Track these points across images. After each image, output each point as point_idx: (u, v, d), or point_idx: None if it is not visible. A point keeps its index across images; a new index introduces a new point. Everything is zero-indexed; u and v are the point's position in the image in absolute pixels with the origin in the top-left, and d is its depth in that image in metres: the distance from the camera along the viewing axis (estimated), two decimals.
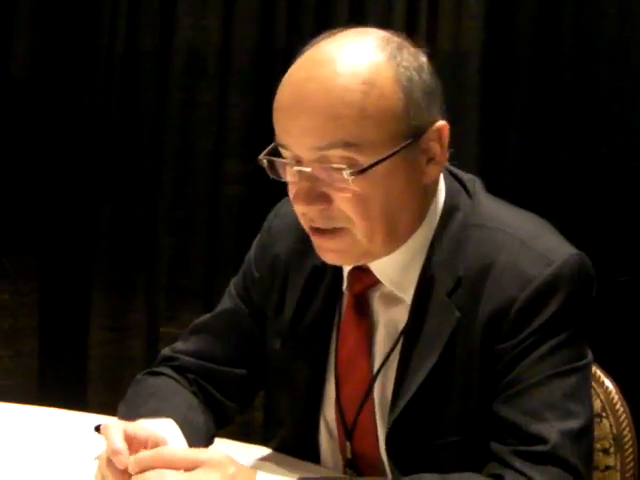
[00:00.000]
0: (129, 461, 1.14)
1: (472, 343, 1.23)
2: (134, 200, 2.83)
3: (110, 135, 2.83)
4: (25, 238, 2.94)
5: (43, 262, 2.94)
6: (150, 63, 2.76)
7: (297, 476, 1.16)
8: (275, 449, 1.45)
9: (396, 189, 1.22)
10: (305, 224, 1.26)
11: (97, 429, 1.34)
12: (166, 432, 1.26)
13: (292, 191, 1.24)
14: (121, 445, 1.15)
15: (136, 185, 2.83)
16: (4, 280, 2.95)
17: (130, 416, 1.30)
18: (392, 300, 1.31)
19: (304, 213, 1.24)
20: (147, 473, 1.12)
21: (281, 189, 1.45)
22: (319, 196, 1.21)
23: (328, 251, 1.26)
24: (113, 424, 1.19)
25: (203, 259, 2.75)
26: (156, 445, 1.19)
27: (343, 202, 1.20)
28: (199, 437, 1.34)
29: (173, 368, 1.47)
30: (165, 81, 2.75)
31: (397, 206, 1.23)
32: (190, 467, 1.12)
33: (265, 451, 1.46)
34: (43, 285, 2.93)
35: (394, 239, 1.26)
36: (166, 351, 1.51)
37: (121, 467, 1.14)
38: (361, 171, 1.18)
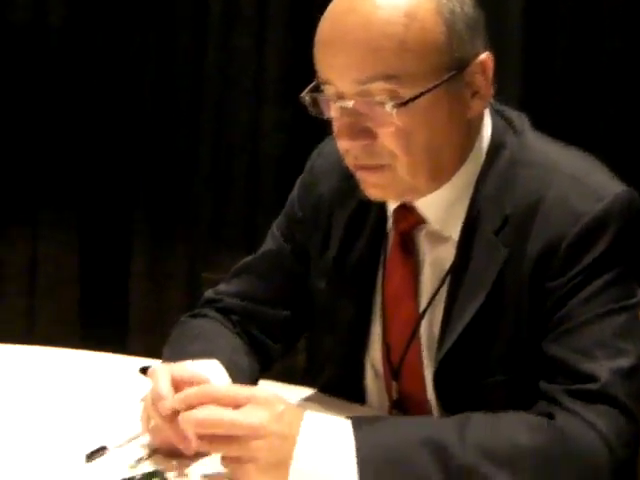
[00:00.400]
0: (174, 405, 1.13)
1: (520, 281, 1.21)
2: (173, 150, 2.82)
3: (147, 87, 2.82)
4: (66, 190, 2.95)
5: (84, 213, 2.95)
6: (188, 6, 2.73)
7: (343, 416, 1.13)
8: (319, 390, 1.45)
9: (439, 123, 1.20)
10: (349, 162, 1.24)
11: (143, 371, 1.36)
12: (211, 373, 1.26)
13: (335, 127, 1.22)
14: (167, 390, 1.15)
15: (175, 135, 2.82)
16: (46, 231, 2.97)
17: (175, 358, 1.30)
18: (438, 239, 1.30)
19: (348, 149, 1.22)
20: (194, 410, 1.11)
21: (318, 137, 1.47)
22: (362, 131, 1.19)
23: (372, 186, 1.25)
24: (160, 368, 1.18)
25: (243, 208, 2.74)
26: None
27: (386, 137, 1.18)
28: (244, 379, 1.33)
29: (217, 310, 1.47)
30: (203, 27, 2.72)
31: (441, 141, 1.21)
32: (237, 404, 1.11)
33: (310, 392, 1.45)
34: (84, 235, 2.94)
35: (438, 175, 1.24)
36: (209, 293, 1.50)
37: (166, 413, 1.13)
38: (403, 103, 1.16)
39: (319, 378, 1.46)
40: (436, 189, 1.26)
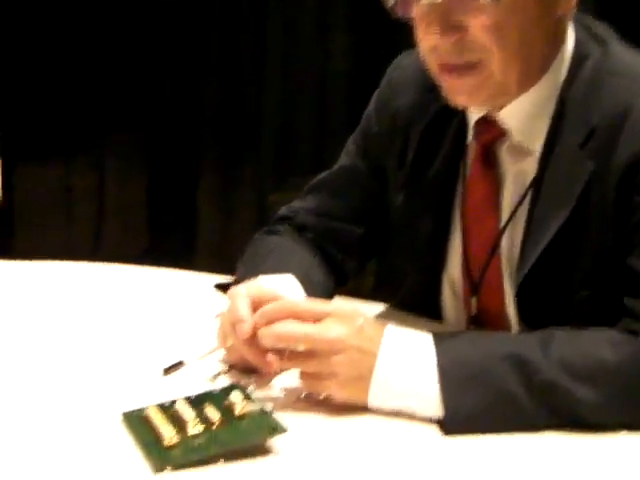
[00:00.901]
0: (254, 321, 1.12)
1: (606, 195, 1.17)
2: (241, 71, 2.80)
3: (214, 12, 2.79)
4: (136, 114, 2.94)
5: (153, 138, 2.95)
6: None
7: (422, 332, 1.12)
8: (394, 307, 1.43)
9: (532, 16, 1.16)
10: (435, 62, 1.20)
11: (218, 287, 1.35)
12: (287, 288, 1.25)
13: (421, 27, 1.19)
14: (246, 313, 1.13)
15: (242, 57, 2.79)
16: (114, 154, 2.98)
17: (249, 274, 1.28)
18: (520, 152, 1.26)
19: (435, 47, 1.18)
20: (274, 325, 1.10)
21: (386, 63, 1.43)
22: (453, 26, 1.15)
23: (459, 92, 1.21)
24: (239, 290, 1.17)
25: (310, 129, 2.72)
26: None
27: (479, 30, 1.14)
28: (319, 294, 1.30)
29: (291, 227, 1.45)
30: None
31: (532, 36, 1.17)
32: (317, 319, 1.09)
33: (384, 309, 1.43)
34: (152, 158, 2.94)
35: (527, 76, 1.20)
36: (283, 210, 1.49)
37: (245, 336, 1.12)
38: None
39: (393, 296, 1.44)
40: (522, 93, 1.22)
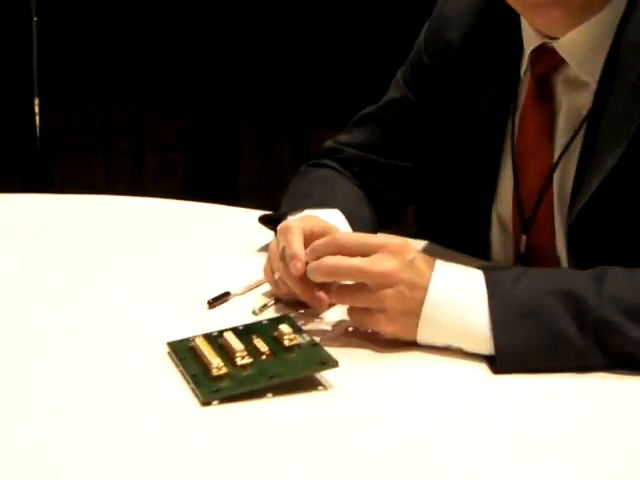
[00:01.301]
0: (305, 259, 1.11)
1: None
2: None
3: None
4: (176, 52, 2.92)
5: (192, 75, 2.91)
6: None
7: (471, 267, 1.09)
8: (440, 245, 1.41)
9: None
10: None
11: (262, 220, 1.33)
12: (332, 222, 1.22)
13: None
14: (300, 249, 1.11)
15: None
16: (154, 92, 2.96)
17: (294, 208, 1.27)
18: (576, 84, 1.22)
19: None
20: (323, 259, 1.08)
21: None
22: None
23: (544, 6, 1.16)
24: (291, 225, 1.14)
25: (351, 62, 2.69)
26: None
27: None
28: (365, 229, 1.30)
29: (337, 160, 1.43)
30: None
31: None
32: (366, 252, 1.07)
33: (431, 245, 1.41)
34: (192, 98, 2.91)
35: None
36: (329, 143, 1.46)
37: (297, 273, 1.10)
38: None
39: (438, 235, 1.42)
40: (585, 20, 1.19)
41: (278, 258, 1.14)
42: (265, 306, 1.18)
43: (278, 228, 1.16)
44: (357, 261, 1.06)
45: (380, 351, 1.07)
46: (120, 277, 1.29)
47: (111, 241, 1.42)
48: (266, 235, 1.32)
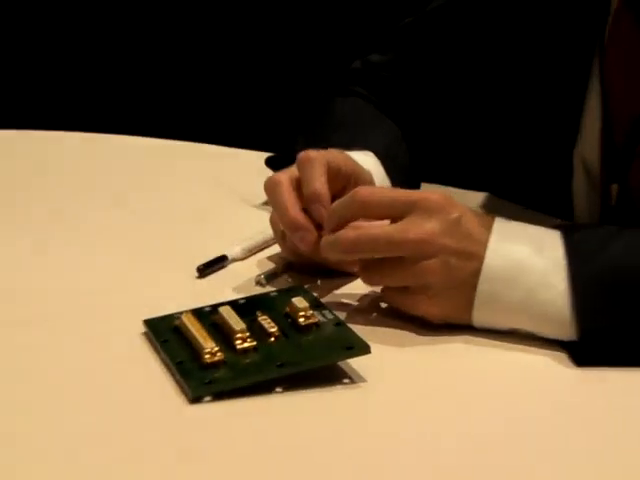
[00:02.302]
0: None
1: None
2: None
3: None
4: None
5: None
6: None
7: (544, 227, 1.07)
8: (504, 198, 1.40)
9: None
10: None
11: (269, 163, 1.35)
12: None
13: None
14: (324, 188, 1.09)
15: None
16: None
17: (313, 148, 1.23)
18: None
19: None
20: (341, 232, 1.05)
21: None
22: None
23: None
24: (313, 155, 1.12)
25: None
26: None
27: None
28: (405, 178, 1.29)
29: (366, 88, 1.42)
30: None
31: None
32: (398, 213, 1.04)
33: (489, 198, 1.41)
34: None
35: None
36: (357, 64, 1.45)
37: (319, 219, 1.09)
38: None
39: (501, 188, 1.42)
40: None
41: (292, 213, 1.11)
42: (273, 274, 1.16)
43: (299, 158, 1.13)
44: (387, 229, 1.04)
45: (423, 333, 1.05)
46: (85, 232, 1.29)
47: (78, 184, 1.45)
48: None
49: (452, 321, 1.05)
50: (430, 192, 1.06)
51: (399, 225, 1.03)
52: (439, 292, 1.03)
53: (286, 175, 1.13)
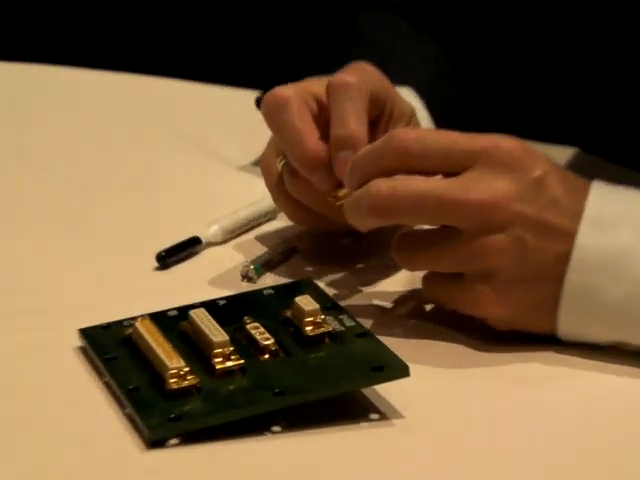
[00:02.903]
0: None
1: None
2: None
3: None
4: None
5: None
6: None
7: None
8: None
9: None
10: None
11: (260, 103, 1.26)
12: None
13: None
14: (362, 131, 1.00)
15: None
16: None
17: None
18: None
19: None
20: (375, 181, 0.94)
21: None
22: None
23: None
24: (348, 79, 1.03)
25: None
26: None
27: None
28: (451, 120, 1.25)
29: (402, 13, 1.36)
30: None
31: None
32: (454, 167, 0.93)
33: (581, 156, 1.37)
34: None
35: None
36: None
37: (323, 187, 1.00)
38: None
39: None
40: None
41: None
42: (269, 264, 1.07)
43: (328, 83, 1.06)
44: (437, 183, 0.94)
45: (483, 348, 0.95)
46: (21, 200, 1.23)
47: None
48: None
49: (526, 328, 0.95)
50: (502, 139, 0.95)
51: (456, 180, 0.93)
52: (508, 283, 0.93)
53: (295, 90, 1.05)
